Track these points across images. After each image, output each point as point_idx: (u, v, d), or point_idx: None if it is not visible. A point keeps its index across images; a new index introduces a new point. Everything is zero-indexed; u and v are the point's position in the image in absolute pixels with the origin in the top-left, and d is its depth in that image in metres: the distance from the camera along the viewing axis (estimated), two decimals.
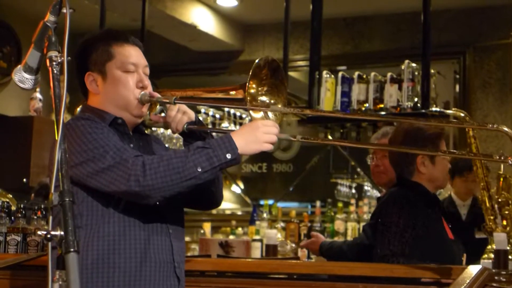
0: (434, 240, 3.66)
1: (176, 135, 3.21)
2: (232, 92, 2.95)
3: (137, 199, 2.63)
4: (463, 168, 6.18)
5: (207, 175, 2.62)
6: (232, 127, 7.26)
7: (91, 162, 2.65)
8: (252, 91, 2.89)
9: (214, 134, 3.03)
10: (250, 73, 2.87)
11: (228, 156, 2.61)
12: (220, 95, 2.99)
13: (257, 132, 2.68)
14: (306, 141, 2.99)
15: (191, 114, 2.93)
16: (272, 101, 2.93)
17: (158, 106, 2.99)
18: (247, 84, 2.86)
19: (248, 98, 2.87)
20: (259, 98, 2.92)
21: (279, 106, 2.91)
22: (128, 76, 2.86)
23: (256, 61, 2.90)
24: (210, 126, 6.50)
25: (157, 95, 2.89)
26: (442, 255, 3.59)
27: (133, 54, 2.90)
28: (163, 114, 2.98)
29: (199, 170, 2.59)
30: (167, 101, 2.88)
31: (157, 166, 2.59)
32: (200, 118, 3.08)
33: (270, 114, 2.91)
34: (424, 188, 3.80)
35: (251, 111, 2.88)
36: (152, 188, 2.58)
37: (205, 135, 2.95)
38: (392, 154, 3.95)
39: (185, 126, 2.91)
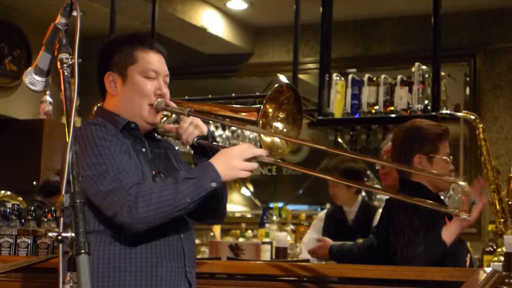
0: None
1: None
2: (245, 114, 2.95)
3: (126, 228, 2.65)
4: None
5: (194, 205, 2.66)
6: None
7: (91, 179, 2.67)
8: (268, 116, 2.89)
9: None
10: (267, 95, 2.87)
11: (213, 185, 2.66)
12: (235, 114, 2.98)
13: (234, 160, 2.71)
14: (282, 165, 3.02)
15: (203, 129, 2.93)
16: (285, 130, 2.93)
17: (173, 116, 2.99)
18: (262, 107, 2.86)
19: (262, 121, 2.87)
20: (273, 124, 2.92)
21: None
22: (148, 82, 2.87)
23: (275, 85, 2.91)
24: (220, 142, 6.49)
25: (173, 104, 2.90)
26: (445, 256, 3.56)
27: (156, 61, 2.91)
28: (176, 125, 2.98)
29: (189, 200, 2.64)
30: (181, 112, 2.90)
31: (149, 199, 2.61)
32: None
33: (279, 140, 2.91)
34: (426, 189, 3.78)
35: (262, 135, 2.88)
36: (143, 221, 2.62)
37: (213, 152, 2.92)
38: (393, 157, 3.94)
39: (195, 140, 2.92)
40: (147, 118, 2.88)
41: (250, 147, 2.76)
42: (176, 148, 3.16)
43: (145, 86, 2.87)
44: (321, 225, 6.26)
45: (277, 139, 2.91)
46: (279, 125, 2.94)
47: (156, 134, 3.02)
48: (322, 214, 6.49)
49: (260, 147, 2.87)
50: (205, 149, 2.96)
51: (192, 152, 3.03)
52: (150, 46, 2.93)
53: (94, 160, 2.67)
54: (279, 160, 2.92)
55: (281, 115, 2.95)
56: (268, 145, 2.89)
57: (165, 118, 3.01)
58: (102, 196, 2.64)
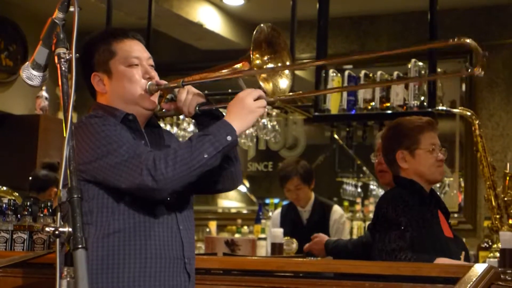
0: (429, 238, 3.65)
1: (182, 133, 3.21)
2: (238, 66, 2.95)
3: (149, 193, 2.62)
4: (280, 179, 6.22)
5: (213, 160, 2.64)
6: None
7: (105, 157, 2.65)
8: (257, 61, 2.90)
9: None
10: (252, 46, 2.87)
11: (229, 138, 2.65)
12: (226, 72, 2.98)
13: (245, 103, 2.72)
14: (287, 97, 3.02)
15: (201, 95, 2.92)
16: (279, 65, 2.94)
17: (168, 95, 2.98)
18: (251, 55, 2.87)
19: (255, 68, 2.88)
20: (265, 66, 2.92)
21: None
22: (133, 69, 2.87)
23: (254, 32, 2.91)
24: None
25: (164, 82, 2.89)
26: (437, 253, 3.56)
27: (135, 48, 2.90)
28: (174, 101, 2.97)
29: (206, 156, 2.61)
30: (175, 85, 2.88)
31: (165, 161, 2.59)
32: None
33: (281, 80, 2.92)
34: (418, 186, 3.79)
35: (261, 83, 2.87)
36: (164, 182, 2.58)
37: (218, 114, 2.94)
38: (383, 155, 3.96)
39: (197, 108, 2.90)
40: (143, 103, 2.87)
41: (252, 89, 2.77)
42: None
43: (132, 74, 2.86)
44: (275, 224, 6.21)
45: (278, 82, 2.91)
46: (271, 65, 2.94)
47: (156, 120, 3.01)
48: (276, 214, 6.45)
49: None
50: (210, 113, 2.93)
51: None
52: (124, 35, 2.92)
53: (103, 141, 2.66)
54: (280, 97, 2.93)
55: (270, 55, 2.94)
56: (270, 89, 2.89)
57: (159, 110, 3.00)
58: (118, 167, 2.62)
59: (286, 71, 2.94)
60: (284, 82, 2.93)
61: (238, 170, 3.01)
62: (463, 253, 3.72)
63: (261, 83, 2.88)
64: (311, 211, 6.15)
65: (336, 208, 6.36)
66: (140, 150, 2.65)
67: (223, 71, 2.99)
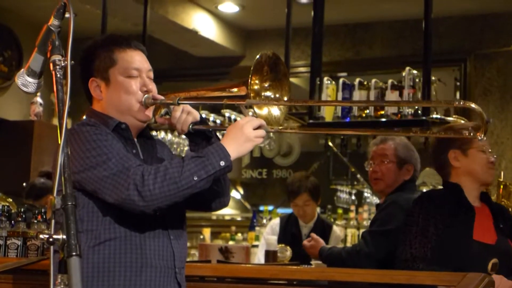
0: (454, 243, 3.62)
1: (177, 140, 3.21)
2: (235, 90, 2.96)
3: (134, 208, 2.62)
4: (289, 194, 6.19)
5: (203, 183, 2.64)
6: None
7: (93, 168, 2.65)
8: (255, 87, 2.90)
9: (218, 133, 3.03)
10: (252, 69, 2.88)
11: (222, 163, 2.64)
12: (223, 94, 2.99)
13: (244, 130, 2.71)
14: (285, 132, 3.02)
15: (196, 114, 2.91)
16: (277, 95, 2.94)
17: (163, 109, 2.98)
18: (249, 80, 2.87)
19: (252, 94, 2.88)
20: (262, 94, 2.93)
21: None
22: (131, 81, 2.85)
23: (257, 56, 2.91)
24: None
25: (161, 97, 2.89)
26: (460, 259, 3.54)
27: (136, 59, 2.89)
28: (168, 116, 2.97)
29: (195, 179, 2.61)
30: (171, 102, 2.88)
31: (154, 177, 2.59)
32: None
33: (275, 109, 2.92)
34: (459, 189, 3.77)
35: (255, 108, 2.88)
36: (150, 198, 2.59)
37: (210, 135, 2.94)
38: (432, 160, 3.96)
39: (190, 126, 2.90)
40: (137, 115, 2.86)
41: (253, 118, 2.76)
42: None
43: (130, 85, 2.85)
44: (274, 234, 6.16)
45: (272, 109, 2.91)
46: (268, 93, 2.94)
47: (150, 131, 3.01)
48: (275, 224, 6.39)
49: None
50: (202, 133, 2.94)
51: (186, 148, 3.04)
52: (127, 45, 2.91)
53: (93, 152, 2.66)
54: (279, 128, 2.93)
55: (268, 83, 2.94)
56: (265, 116, 2.89)
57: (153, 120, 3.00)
58: (105, 180, 2.62)
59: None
60: (278, 111, 2.93)
61: (226, 192, 3.00)
62: (492, 261, 3.64)
63: (255, 108, 2.89)
64: (312, 228, 6.12)
65: (336, 229, 6.36)
66: (129, 163, 2.64)
67: (219, 93, 3.00)
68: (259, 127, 2.74)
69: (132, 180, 2.59)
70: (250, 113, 2.86)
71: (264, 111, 2.90)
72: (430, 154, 3.99)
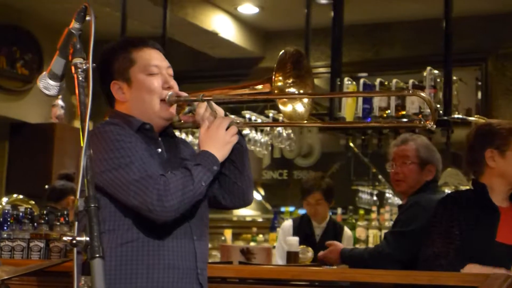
0: (476, 245, 3.59)
1: (197, 141, 3.21)
2: (259, 87, 2.96)
3: (153, 216, 2.64)
4: (303, 192, 6.18)
5: (205, 188, 2.73)
6: (253, 134, 7.26)
7: (115, 170, 2.65)
8: (279, 84, 2.91)
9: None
10: (275, 65, 2.89)
11: (215, 168, 2.76)
12: (246, 91, 3.00)
13: (218, 136, 2.81)
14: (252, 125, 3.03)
15: (220, 110, 2.92)
16: (301, 91, 2.94)
17: (187, 107, 2.99)
18: (273, 77, 2.88)
19: (275, 91, 2.89)
20: (286, 90, 2.93)
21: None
22: (153, 78, 2.86)
23: (280, 53, 2.92)
24: None
25: (184, 94, 2.89)
26: (482, 260, 3.52)
27: (154, 57, 2.90)
28: (192, 114, 2.98)
29: (203, 184, 2.70)
30: (195, 98, 2.88)
31: (175, 186, 2.64)
32: None
33: (299, 106, 2.92)
34: (485, 190, 3.74)
35: (280, 105, 2.91)
36: (171, 209, 2.63)
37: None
38: (466, 156, 3.92)
39: None
40: (161, 113, 2.87)
41: (222, 118, 2.84)
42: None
43: (152, 83, 2.86)
44: (288, 235, 6.15)
45: (296, 106, 2.92)
46: (292, 90, 2.95)
47: (173, 129, 3.01)
48: (288, 225, 6.38)
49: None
50: None
51: None
52: (144, 44, 2.92)
53: (116, 153, 2.67)
54: (245, 122, 2.99)
55: (291, 79, 2.96)
56: (289, 113, 2.91)
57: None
58: (128, 185, 2.63)
59: (305, 99, 2.95)
60: (303, 108, 2.94)
61: (249, 188, 3.01)
62: None
63: (280, 105, 2.91)
64: (325, 228, 6.13)
65: (347, 230, 6.35)
66: (152, 171, 2.66)
67: (244, 90, 3.00)
68: (229, 126, 2.82)
69: (156, 190, 2.61)
70: (247, 116, 2.91)
71: (288, 108, 2.91)
72: (466, 150, 3.93)
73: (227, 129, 2.82)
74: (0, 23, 8.34)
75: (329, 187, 6.15)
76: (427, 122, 2.76)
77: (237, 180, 2.91)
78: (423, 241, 3.70)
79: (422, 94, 2.83)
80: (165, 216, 2.64)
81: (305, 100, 2.95)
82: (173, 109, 2.89)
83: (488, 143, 3.76)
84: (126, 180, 2.64)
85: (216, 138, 2.80)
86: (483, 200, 3.70)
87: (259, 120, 7.11)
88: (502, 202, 3.74)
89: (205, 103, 2.89)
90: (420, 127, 3.25)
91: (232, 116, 2.88)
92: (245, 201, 3.02)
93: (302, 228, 6.16)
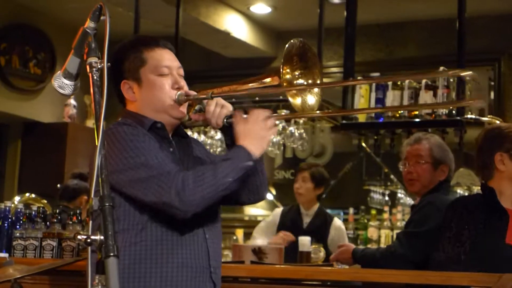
0: (486, 248, 3.59)
1: (210, 141, 3.21)
2: (267, 80, 2.96)
3: (173, 211, 2.65)
4: (295, 172, 6.32)
5: (235, 184, 2.70)
6: None
7: (131, 170, 2.66)
8: (287, 76, 2.91)
9: None
10: (283, 59, 2.89)
11: (249, 163, 2.72)
12: (255, 85, 2.99)
13: (255, 130, 2.77)
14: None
15: (230, 107, 2.93)
16: (309, 81, 2.94)
17: (196, 106, 2.99)
18: (281, 69, 2.88)
19: (284, 83, 2.89)
20: (295, 82, 2.93)
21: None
22: (163, 79, 2.87)
23: (286, 46, 2.91)
24: None
25: (193, 93, 2.90)
26: (493, 263, 3.51)
27: (165, 57, 2.91)
28: (202, 112, 2.98)
29: (230, 179, 2.67)
30: (204, 96, 2.89)
31: (194, 182, 2.63)
32: None
33: (310, 97, 2.92)
34: (494, 194, 3.73)
35: (290, 98, 2.90)
36: (191, 204, 2.63)
37: None
38: (476, 160, 3.91)
39: (225, 120, 2.91)
40: (172, 113, 2.88)
41: (259, 111, 2.81)
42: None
43: (162, 83, 2.87)
44: (274, 220, 6.24)
45: (307, 98, 2.92)
46: (301, 81, 2.95)
47: (184, 129, 3.02)
48: (277, 211, 6.49)
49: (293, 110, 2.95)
50: None
51: (219, 149, 3.05)
52: (156, 44, 2.93)
53: (131, 153, 2.68)
54: (285, 114, 2.96)
55: (300, 71, 2.96)
56: (300, 105, 2.91)
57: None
58: (146, 182, 2.65)
59: (316, 89, 2.95)
60: (313, 99, 2.94)
61: (263, 184, 3.01)
62: None
63: (290, 98, 2.90)
64: (313, 216, 6.17)
65: (337, 220, 6.35)
66: (169, 167, 2.68)
67: (252, 84, 3.00)
68: (267, 118, 2.79)
69: (174, 185, 2.62)
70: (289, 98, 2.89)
71: (298, 100, 2.92)
72: (475, 153, 3.92)
73: (265, 120, 2.79)
74: (12, 22, 8.36)
75: (320, 173, 6.22)
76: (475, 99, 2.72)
77: (251, 175, 2.91)
78: (434, 246, 3.69)
79: (479, 102, 2.73)
80: (185, 211, 2.64)
81: (315, 90, 2.95)
82: (184, 108, 2.90)
83: (497, 146, 3.76)
84: (143, 177, 2.65)
85: (253, 132, 2.77)
86: (492, 203, 3.69)
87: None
88: (511, 205, 3.74)
89: (214, 100, 2.89)
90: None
91: (268, 111, 2.84)
92: (260, 196, 3.02)
93: (290, 215, 6.22)
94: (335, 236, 6.08)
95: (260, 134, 2.76)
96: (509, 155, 3.74)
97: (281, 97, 7.05)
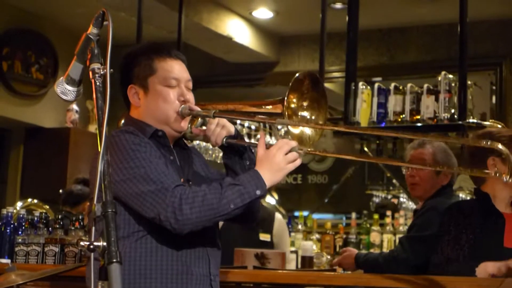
0: (485, 251, 3.58)
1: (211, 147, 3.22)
2: (270, 107, 2.96)
3: (168, 228, 2.65)
4: None
5: (238, 211, 2.67)
6: (268, 138, 7.26)
7: (130, 181, 2.67)
8: (292, 105, 2.90)
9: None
10: (289, 86, 2.88)
11: (258, 192, 2.68)
12: (260, 110, 2.99)
13: (276, 160, 2.72)
14: (322, 155, 3.01)
15: (231, 128, 2.93)
16: (313, 117, 2.93)
17: (199, 120, 3.00)
18: (286, 98, 2.87)
19: (288, 112, 2.88)
20: (299, 113, 2.93)
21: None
22: (170, 90, 2.88)
23: (296, 75, 2.90)
24: (246, 138, 6.49)
25: (197, 108, 2.90)
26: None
27: (176, 69, 2.91)
28: (204, 128, 2.99)
29: (232, 207, 2.65)
30: (206, 114, 2.89)
31: (192, 202, 2.62)
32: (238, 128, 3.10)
33: (308, 129, 2.91)
34: (488, 198, 3.73)
35: (289, 127, 2.89)
36: (185, 223, 2.63)
37: (243, 150, 2.96)
38: (469, 164, 3.90)
39: (224, 140, 2.92)
40: (173, 125, 2.88)
41: (285, 141, 2.76)
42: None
43: (168, 95, 2.87)
44: None
45: (306, 129, 2.91)
46: (305, 113, 2.94)
47: (184, 141, 3.02)
48: None
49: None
50: (234, 148, 2.96)
51: (221, 154, 3.04)
52: (168, 54, 2.93)
53: (131, 163, 2.68)
54: (310, 150, 2.91)
55: (306, 103, 2.95)
56: (298, 136, 2.90)
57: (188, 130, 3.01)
58: (144, 197, 2.65)
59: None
60: (313, 132, 2.93)
61: (259, 209, 3.02)
62: None
63: (289, 127, 2.89)
64: None
65: (278, 215, 6.25)
66: (168, 183, 2.67)
67: (256, 108, 3.01)
68: (290, 151, 2.74)
69: (171, 202, 2.62)
70: (283, 131, 2.87)
71: (297, 130, 2.91)
72: (466, 159, 3.94)
73: (287, 154, 2.74)
74: (14, 27, 8.37)
75: None
76: (504, 175, 2.73)
77: (253, 206, 2.88)
78: (435, 250, 3.68)
79: (499, 146, 2.75)
80: (179, 229, 2.64)
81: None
82: (185, 122, 2.91)
83: (489, 151, 3.75)
84: (141, 191, 2.65)
85: (273, 161, 2.72)
86: (487, 208, 3.69)
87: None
88: (506, 208, 3.74)
89: (216, 119, 2.90)
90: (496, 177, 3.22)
91: (296, 143, 2.79)
92: (252, 221, 3.03)
93: None
94: (280, 227, 5.98)
95: (279, 165, 2.72)
96: (502, 159, 3.74)
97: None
